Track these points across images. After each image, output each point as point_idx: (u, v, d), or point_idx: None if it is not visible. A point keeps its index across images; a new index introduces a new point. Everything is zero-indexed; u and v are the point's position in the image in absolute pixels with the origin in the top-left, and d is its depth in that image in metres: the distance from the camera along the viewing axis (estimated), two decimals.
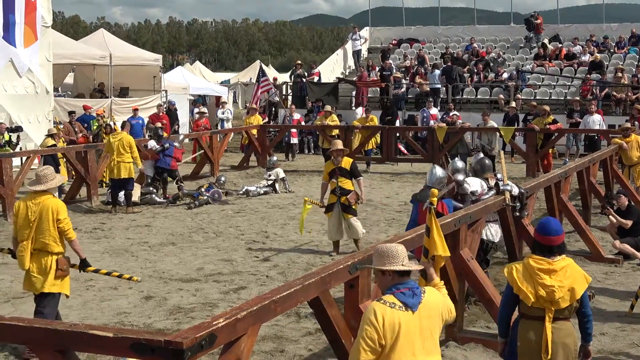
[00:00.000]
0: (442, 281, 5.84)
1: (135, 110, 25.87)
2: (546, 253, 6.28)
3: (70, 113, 24.17)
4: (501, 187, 10.24)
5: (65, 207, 9.03)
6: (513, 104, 26.64)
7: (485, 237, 10.28)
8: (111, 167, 17.95)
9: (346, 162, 13.38)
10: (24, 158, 18.79)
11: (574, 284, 6.21)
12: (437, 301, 5.29)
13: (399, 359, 5.01)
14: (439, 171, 10.60)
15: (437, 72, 31.51)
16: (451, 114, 25.14)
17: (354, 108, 30.31)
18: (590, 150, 21.31)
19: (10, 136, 19.58)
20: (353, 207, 13.44)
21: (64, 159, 20.03)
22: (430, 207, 6.09)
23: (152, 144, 19.45)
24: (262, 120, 27.75)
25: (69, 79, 33.35)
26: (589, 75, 30.53)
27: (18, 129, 20.43)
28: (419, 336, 5.09)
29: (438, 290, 5.56)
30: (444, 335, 9.07)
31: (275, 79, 35.10)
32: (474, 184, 10.44)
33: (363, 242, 13.62)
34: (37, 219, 8.72)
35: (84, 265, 9.28)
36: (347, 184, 13.38)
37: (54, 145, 19.66)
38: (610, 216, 13.48)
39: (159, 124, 22.06)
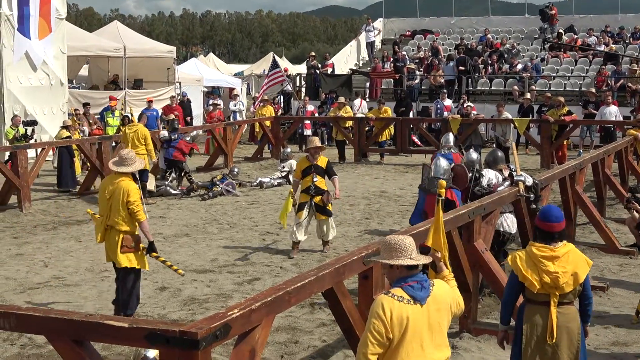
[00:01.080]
0: (452, 273, 5.80)
1: (150, 102, 25.90)
2: (548, 239, 6.37)
3: (85, 105, 24.25)
4: (515, 178, 10.23)
5: (136, 190, 9.45)
6: (528, 95, 26.49)
7: (501, 229, 10.26)
8: None
9: (322, 161, 12.98)
10: (39, 150, 18.87)
11: (577, 269, 6.30)
12: (445, 294, 5.24)
13: (407, 353, 4.99)
14: (443, 162, 10.62)
15: (452, 63, 31.45)
16: (465, 105, 25.06)
17: (352, 99, 29.49)
18: (607, 142, 21.17)
19: (25, 129, 19.68)
20: (327, 207, 13.02)
21: (79, 151, 20.15)
22: (438, 198, 6.08)
23: (163, 133, 19.47)
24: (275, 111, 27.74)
25: (84, 70, 33.44)
26: (604, 67, 30.34)
27: (33, 122, 20.51)
28: (428, 329, 5.05)
29: (447, 283, 5.50)
30: (457, 327, 9.08)
31: (285, 70, 34.96)
32: (489, 176, 10.44)
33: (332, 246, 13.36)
34: (111, 197, 9.33)
35: (150, 249, 9.68)
36: (322, 183, 12.98)
37: (69, 137, 19.77)
38: (634, 210, 13.31)
39: (172, 116, 22.09)
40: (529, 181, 10.29)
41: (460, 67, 31.13)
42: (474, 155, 11.09)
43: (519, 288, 6.45)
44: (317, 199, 12.91)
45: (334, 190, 13.17)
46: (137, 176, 10.54)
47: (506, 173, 10.56)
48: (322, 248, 13.24)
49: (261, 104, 27.83)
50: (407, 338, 4.96)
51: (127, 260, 9.41)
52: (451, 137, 14.71)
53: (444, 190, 6.13)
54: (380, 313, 4.96)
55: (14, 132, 19.47)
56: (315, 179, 12.91)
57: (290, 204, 13.11)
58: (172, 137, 19.27)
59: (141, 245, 9.61)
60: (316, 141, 13.46)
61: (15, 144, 18.61)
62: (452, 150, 13.76)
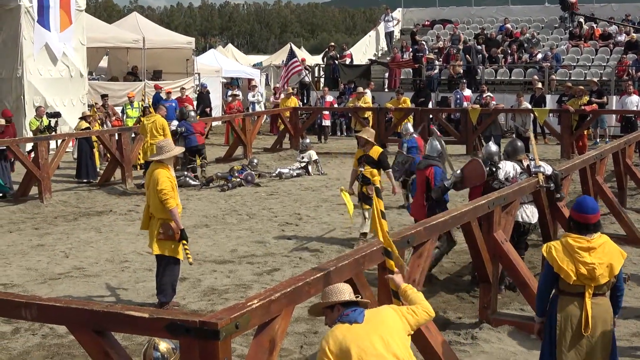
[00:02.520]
0: (409, 285, 5.94)
1: (169, 93, 26.00)
2: (583, 231, 6.31)
3: (103, 96, 24.35)
4: (533, 169, 10.16)
5: (165, 178, 9.57)
6: (539, 84, 26.19)
7: (521, 220, 10.20)
8: (145, 150, 18.08)
9: (374, 151, 12.87)
10: (59, 141, 18.97)
11: (612, 260, 6.26)
12: (383, 310, 5.43)
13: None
14: (436, 143, 11.43)
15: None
16: (485, 95, 24.92)
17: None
18: (628, 132, 20.96)
19: (49, 121, 19.78)
20: (372, 198, 12.91)
21: (98, 142, 20.25)
22: (374, 186, 6.17)
23: (174, 123, 19.43)
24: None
25: (103, 62, 33.60)
26: (624, 56, 30.10)
27: (57, 114, 20.60)
28: (378, 338, 5.13)
29: (405, 294, 5.74)
30: (477, 318, 9.07)
31: (303, 60, 34.81)
32: (507, 169, 10.37)
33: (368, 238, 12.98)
34: (149, 186, 9.63)
35: (181, 236, 9.77)
36: (370, 172, 12.84)
37: (88, 128, 19.86)
38: None
39: (190, 106, 22.12)
40: (549, 170, 10.22)
41: (467, 56, 30.99)
42: (492, 147, 11.04)
43: (553, 279, 6.37)
44: (363, 188, 12.92)
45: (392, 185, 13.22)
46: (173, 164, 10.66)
47: (525, 163, 10.49)
48: (359, 240, 12.95)
49: (284, 95, 27.71)
50: (353, 351, 5.05)
51: (161, 248, 9.59)
52: (410, 125, 17.13)
53: (378, 179, 6.17)
54: (324, 348, 5.16)
55: (37, 123, 19.58)
56: (361, 169, 12.90)
57: (348, 200, 12.87)
58: (180, 130, 19.14)
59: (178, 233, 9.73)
60: (366, 132, 13.41)
61: (37, 135, 18.73)
62: (414, 135, 16.01)
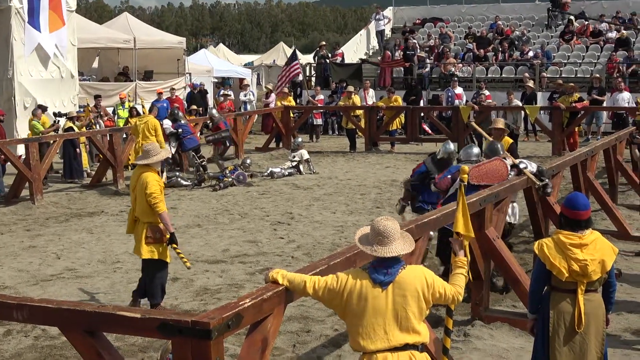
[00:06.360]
0: (466, 258, 5.80)
1: (160, 93, 25.97)
2: (575, 227, 6.30)
3: (96, 97, 24.30)
4: (521, 167, 10.08)
5: (154, 182, 9.47)
6: (530, 82, 26.16)
7: (507, 219, 10.18)
8: (137, 150, 18.05)
9: (505, 142, 12.56)
10: (50, 142, 18.92)
11: (604, 256, 6.26)
12: (414, 280, 5.15)
13: (368, 334, 5.06)
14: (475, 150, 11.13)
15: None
16: (480, 93, 24.88)
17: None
18: (619, 128, 20.99)
19: (57, 120, 19.76)
20: None
21: (86, 143, 20.24)
22: (460, 183, 6.14)
23: (167, 123, 19.32)
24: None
25: (95, 63, 33.53)
26: (614, 53, 30.19)
27: (63, 114, 20.58)
28: (392, 314, 5.06)
29: (455, 266, 5.63)
30: (470, 315, 9.08)
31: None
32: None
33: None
34: (135, 189, 9.48)
35: (171, 240, 9.69)
36: None
37: (71, 128, 19.79)
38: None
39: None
40: (533, 167, 10.18)
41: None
42: (451, 146, 11.37)
43: (546, 276, 6.36)
44: None
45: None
46: (162, 167, 10.58)
47: (509, 161, 10.40)
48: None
49: (281, 95, 27.55)
50: (367, 316, 5.06)
51: (149, 252, 9.49)
52: (215, 111, 21.42)
53: (466, 176, 6.20)
54: (338, 274, 5.22)
55: (39, 124, 19.50)
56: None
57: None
58: (179, 130, 19.12)
59: (167, 236, 9.63)
60: (499, 122, 13.12)
61: (28, 137, 18.68)
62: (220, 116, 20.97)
